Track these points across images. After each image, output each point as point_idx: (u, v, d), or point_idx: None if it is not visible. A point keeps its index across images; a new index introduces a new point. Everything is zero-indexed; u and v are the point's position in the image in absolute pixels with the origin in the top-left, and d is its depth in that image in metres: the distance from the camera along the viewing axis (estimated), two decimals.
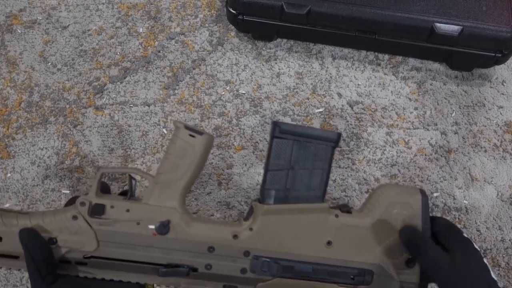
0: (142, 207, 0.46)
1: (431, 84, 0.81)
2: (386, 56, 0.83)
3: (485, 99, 0.80)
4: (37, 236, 0.44)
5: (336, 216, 0.49)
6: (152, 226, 0.46)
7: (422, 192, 0.50)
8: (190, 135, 0.47)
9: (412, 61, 0.83)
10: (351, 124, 0.77)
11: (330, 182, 0.73)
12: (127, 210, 0.45)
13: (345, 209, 0.50)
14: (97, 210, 0.45)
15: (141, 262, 0.46)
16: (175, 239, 0.46)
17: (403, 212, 0.49)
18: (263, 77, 0.81)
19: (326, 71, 0.82)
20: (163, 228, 0.45)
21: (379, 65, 0.82)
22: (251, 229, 0.47)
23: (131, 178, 0.48)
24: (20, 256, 0.44)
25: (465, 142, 0.76)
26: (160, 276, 0.46)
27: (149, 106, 0.79)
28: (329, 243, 0.48)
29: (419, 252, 0.46)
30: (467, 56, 0.77)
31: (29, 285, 0.67)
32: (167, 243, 0.46)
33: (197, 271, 0.47)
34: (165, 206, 0.46)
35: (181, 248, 0.46)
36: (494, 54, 0.75)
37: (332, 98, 0.80)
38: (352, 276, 0.49)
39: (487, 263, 0.44)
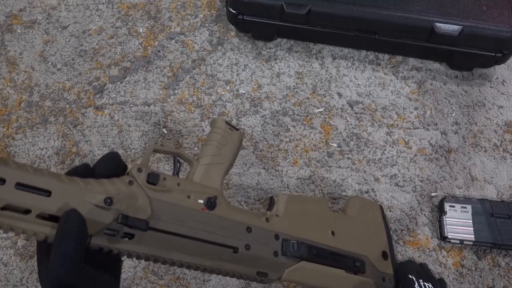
0: (191, 183, 0.48)
1: (431, 84, 0.81)
2: (386, 56, 0.83)
3: (485, 99, 0.80)
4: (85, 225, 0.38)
5: (333, 211, 0.59)
6: (201, 201, 0.47)
7: (379, 204, 0.67)
8: (230, 128, 0.53)
9: (412, 61, 0.83)
10: (351, 124, 0.77)
11: (330, 182, 0.73)
12: (178, 184, 0.46)
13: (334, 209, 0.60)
14: (152, 179, 0.44)
15: (187, 237, 0.46)
16: (220, 216, 0.48)
17: (371, 213, 0.62)
18: (263, 77, 0.81)
19: (326, 71, 0.82)
20: (211, 203, 0.47)
21: (379, 65, 0.82)
22: (277, 215, 0.53)
23: (176, 160, 0.49)
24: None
25: (465, 142, 0.76)
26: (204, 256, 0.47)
27: (149, 106, 0.79)
28: (332, 233, 0.56)
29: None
30: (467, 56, 0.77)
31: (29, 285, 0.67)
32: (213, 219, 0.47)
33: (238, 251, 0.48)
34: (209, 186, 0.49)
35: (224, 226, 0.48)
36: (494, 54, 0.75)
37: (332, 98, 0.80)
38: (353, 262, 0.55)
39: None
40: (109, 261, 0.44)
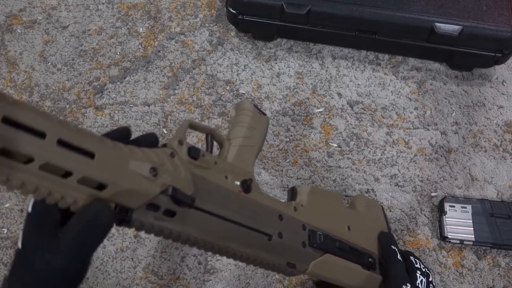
0: (227, 163, 0.45)
1: (431, 84, 0.81)
2: (386, 56, 0.83)
3: (485, 99, 0.80)
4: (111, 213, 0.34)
5: (347, 207, 0.59)
6: (237, 182, 0.44)
7: (380, 204, 0.68)
8: (258, 112, 0.51)
9: (412, 61, 0.83)
10: (351, 124, 0.77)
11: (330, 182, 0.73)
12: (215, 163, 0.43)
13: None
14: (193, 153, 0.41)
15: (227, 219, 0.42)
16: (254, 200, 0.45)
17: (375, 212, 0.63)
18: (263, 77, 0.81)
19: (326, 71, 0.82)
20: (247, 185, 0.45)
21: (379, 65, 0.82)
22: (302, 205, 0.51)
23: (209, 138, 0.46)
24: (108, 185, 0.33)
25: (465, 142, 0.76)
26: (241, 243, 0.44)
27: (149, 106, 0.79)
28: (348, 228, 0.55)
29: (388, 262, 0.55)
30: (467, 56, 0.77)
31: None
32: (249, 203, 0.45)
33: (271, 239, 0.45)
34: (243, 168, 0.46)
35: (259, 211, 0.45)
36: (494, 54, 0.75)
37: (332, 98, 0.80)
38: (368, 258, 0.54)
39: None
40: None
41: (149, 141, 0.39)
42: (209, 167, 0.42)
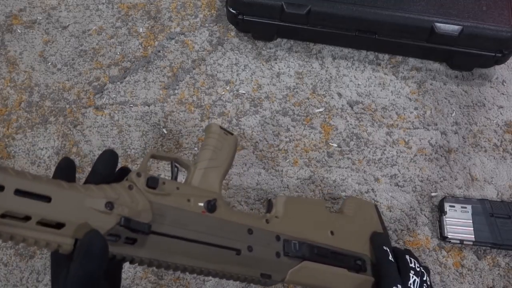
0: (190, 187, 0.49)
1: (431, 84, 0.81)
2: (386, 56, 0.83)
3: (485, 99, 0.80)
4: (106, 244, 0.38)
5: (330, 211, 0.59)
6: (201, 204, 0.47)
7: (374, 203, 0.67)
8: (224, 133, 0.54)
9: (412, 61, 0.83)
10: (351, 124, 0.77)
11: (330, 182, 0.73)
12: (177, 188, 0.47)
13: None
14: (152, 183, 0.45)
15: (190, 240, 0.46)
16: (220, 218, 0.48)
17: (367, 213, 0.62)
18: (263, 77, 0.81)
19: (326, 71, 0.82)
20: (211, 206, 0.48)
21: (379, 65, 0.82)
22: (276, 217, 0.53)
23: (174, 165, 0.50)
24: (66, 224, 0.38)
25: (465, 142, 0.76)
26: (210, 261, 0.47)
27: (149, 106, 0.79)
28: (332, 233, 0.56)
29: (379, 261, 0.55)
30: (467, 56, 0.77)
31: (29, 285, 0.67)
32: (214, 222, 0.48)
33: (240, 253, 0.48)
34: (208, 189, 0.49)
35: (226, 228, 0.48)
36: (494, 54, 0.75)
37: (332, 98, 0.80)
38: (355, 261, 0.55)
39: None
40: (110, 270, 0.44)
41: (114, 166, 0.46)
42: (169, 194, 0.46)
